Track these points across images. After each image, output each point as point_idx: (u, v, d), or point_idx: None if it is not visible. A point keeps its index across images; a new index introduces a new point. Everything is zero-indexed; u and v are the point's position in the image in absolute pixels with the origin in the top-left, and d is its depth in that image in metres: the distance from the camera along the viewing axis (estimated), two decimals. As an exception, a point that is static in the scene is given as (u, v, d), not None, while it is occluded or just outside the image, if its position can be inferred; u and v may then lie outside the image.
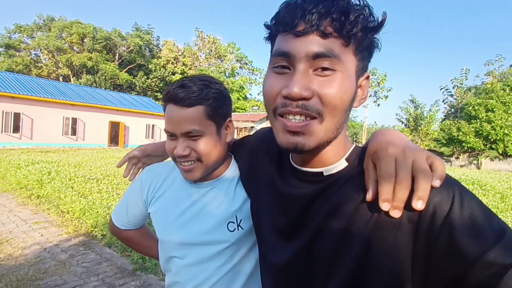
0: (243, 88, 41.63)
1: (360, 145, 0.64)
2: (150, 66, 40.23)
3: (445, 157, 24.60)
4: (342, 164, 0.59)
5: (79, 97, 21.53)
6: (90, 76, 35.68)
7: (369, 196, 0.50)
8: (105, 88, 32.57)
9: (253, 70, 46.23)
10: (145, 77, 39.49)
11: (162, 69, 40.49)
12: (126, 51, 39.34)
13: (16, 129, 17.79)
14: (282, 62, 0.53)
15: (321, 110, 0.51)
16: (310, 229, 0.58)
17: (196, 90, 0.79)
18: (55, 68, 37.29)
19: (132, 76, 38.96)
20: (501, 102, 22.15)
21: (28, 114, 18.19)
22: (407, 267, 0.47)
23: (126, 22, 76.22)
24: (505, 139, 21.39)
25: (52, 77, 36.30)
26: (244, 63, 45.22)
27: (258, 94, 52.09)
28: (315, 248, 0.57)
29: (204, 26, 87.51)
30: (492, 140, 21.81)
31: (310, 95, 0.50)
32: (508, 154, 21.82)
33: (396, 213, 0.47)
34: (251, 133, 0.96)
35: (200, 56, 43.41)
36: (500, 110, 21.87)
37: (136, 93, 37.26)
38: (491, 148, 22.23)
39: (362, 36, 0.51)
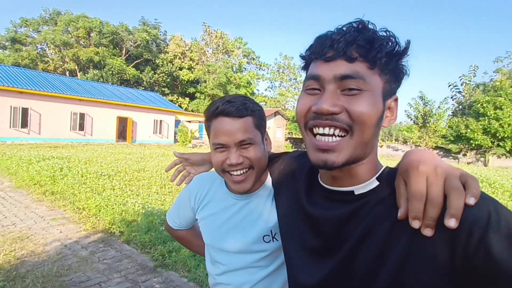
0: (251, 83, 41.49)
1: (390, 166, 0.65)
2: (157, 61, 40.20)
3: (453, 154, 24.41)
4: (373, 183, 0.60)
5: (86, 92, 21.64)
6: (97, 71, 35.81)
7: (400, 214, 0.51)
8: (112, 83, 32.72)
9: (260, 65, 46.07)
10: (152, 72, 39.47)
11: (169, 64, 40.43)
12: (133, 46, 39.38)
13: (24, 124, 17.93)
14: (314, 85, 0.58)
15: (351, 123, 0.54)
16: (343, 250, 0.59)
17: (243, 104, 0.86)
18: (61, 63, 37.54)
19: (139, 71, 39.01)
20: (509, 99, 21.85)
21: (36, 109, 18.32)
22: (444, 286, 0.47)
23: (132, 16, 76.46)
24: (514, 137, 21.15)
25: (58, 71, 36.54)
26: (251, 58, 45.04)
27: (266, 89, 52.02)
28: (348, 270, 0.58)
29: (211, 21, 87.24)
30: (500, 137, 21.57)
31: (338, 110, 0.54)
32: (516, 152, 21.60)
33: (427, 232, 0.48)
34: (285, 152, 1.01)
35: (207, 51, 43.34)
36: (509, 107, 21.59)
37: (143, 88, 37.35)
38: (498, 145, 22.00)
39: (386, 60, 0.55)
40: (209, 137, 0.92)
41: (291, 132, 38.18)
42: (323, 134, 0.56)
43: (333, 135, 0.56)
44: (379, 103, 0.56)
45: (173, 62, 40.86)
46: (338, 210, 0.61)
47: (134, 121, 23.84)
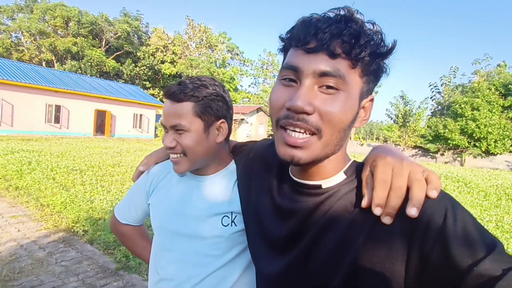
0: (234, 79, 41.15)
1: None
2: (138, 54, 39.05)
3: (431, 154, 25.10)
4: (340, 177, 0.60)
5: (63, 83, 20.73)
6: (75, 62, 34.38)
7: (364, 202, 0.52)
8: (91, 75, 31.57)
9: (244, 61, 45.72)
10: (133, 65, 38.35)
11: (151, 57, 39.44)
12: (113, 37, 38.02)
13: (-4, 115, 17.01)
14: (290, 75, 0.55)
15: (320, 126, 0.53)
16: (305, 241, 0.59)
17: (190, 88, 0.84)
18: (37, 53, 35.83)
19: (119, 64, 37.77)
20: (486, 101, 22.60)
21: (8, 100, 17.37)
22: (399, 278, 0.48)
23: (113, 7, 73.97)
24: (488, 137, 21.91)
25: (34, 61, 34.89)
26: (235, 54, 44.65)
27: (249, 86, 51.73)
28: (309, 260, 0.58)
29: (195, 14, 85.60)
30: (476, 138, 22.29)
31: (311, 110, 0.52)
32: (490, 152, 22.40)
33: (387, 220, 0.49)
34: (253, 140, 0.99)
35: (191, 45, 42.56)
36: (485, 109, 22.33)
37: (123, 81, 36.32)
38: (474, 145, 22.74)
39: (369, 60, 0.53)
40: None
41: (274, 129, 38.04)
42: (293, 130, 0.55)
43: (304, 133, 0.55)
44: (354, 104, 0.55)
45: (155, 55, 39.90)
46: (304, 203, 0.61)
47: (113, 115, 23.15)
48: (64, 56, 35.56)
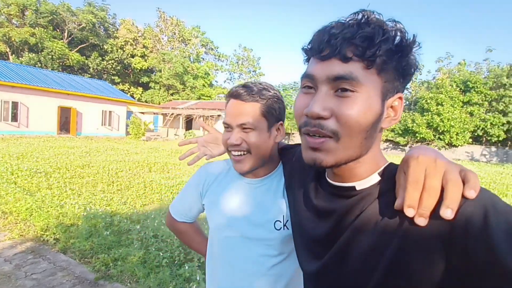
0: (209, 74, 40.41)
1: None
2: (105, 47, 37.07)
3: (401, 147, 26.30)
4: (374, 179, 0.60)
5: (20, 78, 19.15)
6: (34, 54, 31.94)
7: (397, 203, 0.51)
8: (52, 69, 29.57)
9: (219, 56, 45.07)
10: (100, 58, 36.41)
11: (119, 50, 37.68)
12: (77, 29, 35.63)
13: None
14: (308, 83, 0.58)
15: (337, 130, 0.54)
16: (339, 242, 0.60)
17: (255, 90, 0.90)
18: (-10, 44, 32.93)
19: (84, 57, 35.67)
20: (449, 97, 24.03)
21: (-43, 96, 15.82)
22: (437, 283, 0.47)
23: (76, -4, 69.27)
24: (451, 131, 23.35)
25: (-14, 54, 32.06)
26: (209, 48, 43.88)
27: (225, 81, 51.16)
28: (343, 262, 0.59)
29: (166, 7, 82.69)
30: (440, 131, 23.66)
31: (327, 115, 0.54)
32: (453, 144, 23.91)
33: (420, 221, 0.47)
34: (299, 143, 1.00)
35: (162, 38, 41.26)
36: (448, 104, 23.74)
37: (89, 75, 34.41)
38: (439, 138, 24.14)
39: (386, 58, 0.53)
40: None
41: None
42: (313, 135, 0.57)
43: (322, 137, 0.56)
44: (375, 105, 0.54)
45: (124, 49, 38.16)
46: (339, 204, 0.62)
47: (79, 112, 21.84)
48: (21, 48, 32.88)
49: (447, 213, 0.44)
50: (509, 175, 11.00)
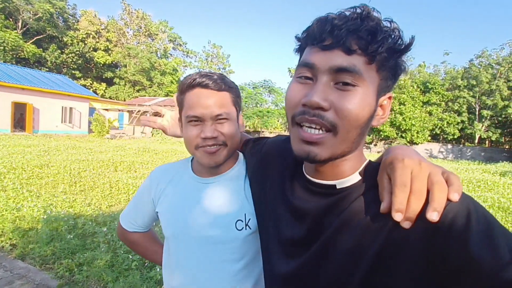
0: (177, 70, 39.40)
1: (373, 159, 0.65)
2: (65, 39, 34.73)
3: (366, 144, 27.48)
4: (355, 178, 0.59)
5: (-32, 70, 17.53)
6: (-17, 45, 29.35)
7: (383, 207, 0.51)
8: (4, 61, 27.21)
9: (187, 52, 44.11)
10: (59, 51, 34.07)
11: (80, 43, 35.51)
12: (32, 18, 33.04)
13: None
14: (306, 73, 0.56)
15: (336, 123, 0.53)
16: (319, 242, 0.59)
17: (220, 79, 0.84)
18: None
19: (41, 50, 33.25)
20: (410, 97, 25.54)
21: None
22: (419, 282, 0.47)
23: (31, -16, 64.34)
24: (412, 129, 24.86)
25: None
26: (177, 44, 42.82)
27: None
28: (322, 262, 0.58)
29: (130, -1, 79.28)
30: (402, 129, 25.09)
31: (327, 106, 0.52)
32: (414, 141, 25.45)
33: (407, 224, 0.48)
34: (266, 136, 0.96)
35: (127, 32, 39.56)
36: (410, 103, 25.23)
37: (47, 69, 32.10)
38: (401, 136, 25.58)
39: (387, 56, 0.53)
40: (180, 112, 0.88)
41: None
42: (309, 127, 0.55)
43: (319, 129, 0.54)
44: (371, 101, 0.54)
45: (86, 42, 36.04)
46: (318, 202, 0.61)
47: (36, 108, 20.39)
48: (-32, 37, 30.01)
49: (434, 216, 0.44)
50: (463, 171, 11.89)
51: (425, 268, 0.46)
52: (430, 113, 25.92)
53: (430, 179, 0.48)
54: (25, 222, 3.88)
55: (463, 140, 27.35)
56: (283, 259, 0.66)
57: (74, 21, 37.60)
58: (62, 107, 22.12)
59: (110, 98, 34.48)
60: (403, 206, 0.47)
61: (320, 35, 0.53)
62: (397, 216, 0.48)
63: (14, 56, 30.86)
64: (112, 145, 15.22)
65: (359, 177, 0.59)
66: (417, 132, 25.02)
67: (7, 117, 18.90)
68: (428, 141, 26.11)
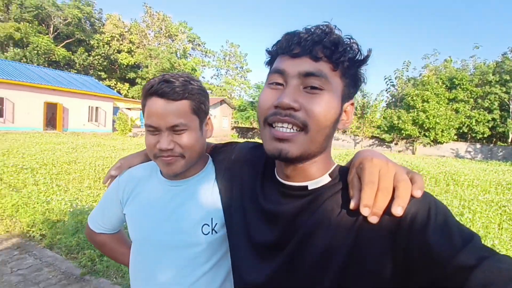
0: (196, 70, 40.12)
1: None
2: (92, 42, 36.45)
3: (386, 143, 26.77)
4: (325, 179, 0.62)
5: (5, 73, 18.77)
6: (19, 49, 31.12)
7: (353, 204, 0.54)
8: (38, 65, 28.85)
9: (206, 52, 44.75)
10: (86, 54, 35.73)
11: (106, 46, 37.03)
12: (62, 23, 34.92)
13: None
14: (278, 79, 0.60)
15: (307, 122, 0.56)
16: (292, 244, 0.60)
17: (181, 85, 0.80)
18: (-28, 38, 31.92)
19: (70, 52, 34.98)
20: (434, 93, 24.51)
21: None
22: (387, 276, 0.50)
23: (61, -10, 67.44)
24: (436, 127, 23.87)
25: (-31, 48, 31.08)
26: (196, 44, 43.55)
27: (212, 77, 50.77)
28: (296, 264, 0.59)
29: (152, 1, 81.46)
30: (426, 128, 24.16)
31: (298, 107, 0.56)
32: (438, 140, 24.45)
33: (373, 219, 0.51)
34: (233, 141, 0.97)
35: (149, 34, 40.67)
36: (434, 101, 24.22)
37: (76, 71, 33.68)
38: (424, 135, 24.65)
39: (349, 65, 0.58)
40: (144, 117, 0.85)
41: (237, 121, 37.82)
42: (281, 126, 0.58)
43: (291, 128, 0.57)
44: (337, 105, 0.58)
45: (110, 44, 37.53)
46: (290, 205, 0.62)
47: (65, 108, 21.48)
48: (5, 43, 32.02)
49: (398, 210, 0.49)
50: (492, 172, 11.31)
51: (391, 262, 0.50)
52: (456, 111, 24.77)
53: (396, 178, 0.52)
54: (53, 214, 4.17)
55: (494, 139, 25.91)
56: (254, 266, 0.66)
57: (100, 24, 39.36)
58: (89, 106, 23.14)
59: (132, 97, 35.60)
60: (371, 202, 0.51)
61: (290, 45, 0.58)
62: (365, 211, 0.51)
63: (46, 59, 32.69)
64: (134, 142, 15.80)
65: (329, 179, 0.62)
66: (442, 131, 23.99)
67: (40, 116, 20.04)
68: (454, 140, 24.97)
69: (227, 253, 0.85)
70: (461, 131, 25.01)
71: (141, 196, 0.91)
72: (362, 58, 0.60)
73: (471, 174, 11.24)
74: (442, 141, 24.37)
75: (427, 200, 0.51)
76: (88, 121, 23.16)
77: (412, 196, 0.50)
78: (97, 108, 23.72)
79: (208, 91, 0.92)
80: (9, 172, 6.46)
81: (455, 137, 24.92)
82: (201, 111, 0.84)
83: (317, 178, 0.62)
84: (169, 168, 0.82)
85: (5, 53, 31.12)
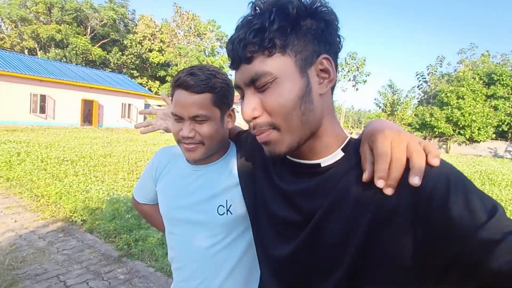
0: (223, 68, 40.63)
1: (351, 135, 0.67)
2: (125, 42, 38.14)
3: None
4: (338, 155, 0.60)
5: (48, 72, 20.12)
6: (59, 50, 33.32)
7: (365, 176, 0.52)
8: (76, 64, 30.70)
9: (233, 50, 45.08)
10: (120, 53, 37.43)
11: (138, 45, 38.54)
12: (99, 25, 36.92)
13: (-23, 105, 16.38)
14: (240, 93, 0.61)
15: (272, 121, 0.56)
16: (312, 222, 0.59)
17: (205, 79, 0.85)
18: (19, 40, 34.54)
19: (105, 52, 36.86)
20: (471, 90, 23.12)
21: (-10, 90, 16.76)
22: (408, 251, 0.48)
23: (97, -8, 70.81)
24: (472, 125, 22.52)
25: (16, 49, 33.64)
26: (224, 42, 43.94)
27: (238, 75, 51.02)
28: (319, 240, 0.59)
29: (183, 1, 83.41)
30: (461, 126, 22.85)
31: (258, 113, 0.56)
32: (474, 139, 23.08)
33: (389, 191, 0.50)
34: None
35: (179, 33, 41.71)
36: (470, 97, 22.85)
37: (110, 70, 35.45)
38: (459, 133, 23.34)
39: (282, 38, 0.53)
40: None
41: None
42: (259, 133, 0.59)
43: (264, 131, 0.58)
44: (295, 82, 0.54)
45: (142, 44, 38.98)
46: (305, 184, 0.62)
47: (101, 104, 22.67)
48: (48, 44, 34.37)
49: (415, 180, 0.47)
50: (532, 172, 10.62)
51: (412, 237, 0.48)
52: (495, 108, 23.19)
53: (409, 148, 0.51)
54: (92, 202, 4.53)
55: (539, 139, 24.05)
56: (277, 242, 0.67)
57: (133, 25, 41.05)
58: (122, 103, 24.22)
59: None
60: (385, 174, 0.50)
61: (230, 56, 0.57)
62: (380, 183, 0.50)
63: (84, 58, 34.68)
64: (164, 138, 16.41)
65: (342, 154, 0.60)
66: (479, 129, 22.56)
67: (78, 113, 21.32)
68: (493, 139, 23.44)
69: (244, 232, 0.94)
70: (500, 129, 23.42)
71: (169, 175, 1.01)
72: (294, 15, 0.53)
73: (510, 174, 10.59)
74: (479, 140, 22.96)
75: (446, 170, 0.48)
76: (121, 117, 24.23)
77: (429, 165, 0.48)
78: (129, 105, 24.78)
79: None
80: (52, 163, 7.04)
81: (494, 135, 23.36)
82: (222, 103, 0.89)
83: (329, 154, 0.60)
84: (189, 154, 0.90)
85: (47, 54, 33.38)
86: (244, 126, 0.99)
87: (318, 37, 0.55)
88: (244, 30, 0.54)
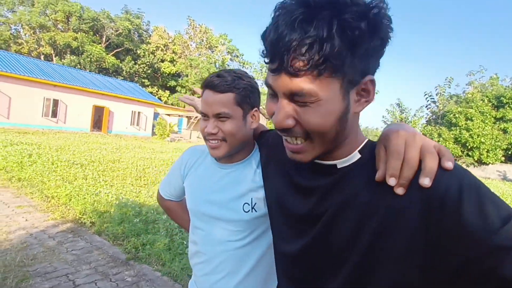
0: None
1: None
2: (138, 52, 39.04)
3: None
4: (355, 156, 0.61)
5: (61, 78, 20.65)
6: (75, 57, 34.25)
7: (378, 175, 0.53)
8: (90, 71, 31.43)
9: (244, 63, 45.74)
10: (133, 62, 38.29)
11: (151, 55, 39.42)
12: (114, 34, 37.98)
13: (-8, 107, 16.80)
14: (271, 91, 0.56)
15: (308, 133, 0.55)
16: (323, 219, 0.60)
17: (229, 80, 0.91)
18: (36, 46, 35.57)
19: (119, 60, 37.71)
20: (479, 111, 22.92)
21: (5, 92, 17.20)
22: (416, 254, 0.48)
23: (115, 4, 73.32)
24: (481, 147, 22.22)
25: (33, 55, 34.59)
26: (235, 56, 44.76)
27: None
28: (328, 238, 0.60)
29: (196, 15, 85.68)
30: (469, 147, 22.55)
31: (291, 123, 0.54)
32: (483, 161, 22.74)
33: (400, 190, 0.50)
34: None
35: (191, 45, 42.61)
36: (478, 119, 22.63)
37: (122, 78, 36.15)
38: (467, 155, 23.05)
39: (339, 59, 0.47)
40: None
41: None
42: (289, 140, 0.59)
43: (296, 139, 0.57)
44: (336, 105, 0.51)
45: (155, 54, 39.87)
46: (322, 181, 0.63)
47: (111, 111, 23.08)
48: (64, 50, 35.36)
49: (426, 181, 0.47)
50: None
51: (422, 240, 0.47)
52: (504, 131, 22.96)
53: (422, 149, 0.51)
54: (101, 205, 4.59)
55: (548, 164, 23.63)
56: (290, 238, 0.69)
57: (147, 35, 42.12)
58: (132, 111, 24.61)
59: (172, 104, 37.32)
60: (397, 172, 0.50)
61: (267, 55, 0.52)
62: (391, 181, 0.50)
63: (98, 66, 35.53)
64: (172, 147, 16.57)
65: (359, 155, 0.60)
66: (487, 151, 22.23)
67: (88, 118, 21.69)
68: (502, 162, 23.12)
69: (266, 230, 0.96)
70: (509, 152, 23.07)
71: (197, 172, 1.06)
72: (357, 37, 0.46)
73: (520, 199, 10.39)
74: (488, 162, 22.59)
75: (459, 174, 0.48)
76: (131, 124, 24.58)
77: (443, 169, 0.48)
78: (139, 113, 25.17)
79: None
80: (62, 166, 7.17)
81: (503, 158, 23.05)
82: (245, 103, 0.93)
83: (346, 156, 0.61)
84: (213, 152, 0.95)
85: (62, 60, 34.31)
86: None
87: (370, 57, 0.51)
88: (291, 32, 0.46)
